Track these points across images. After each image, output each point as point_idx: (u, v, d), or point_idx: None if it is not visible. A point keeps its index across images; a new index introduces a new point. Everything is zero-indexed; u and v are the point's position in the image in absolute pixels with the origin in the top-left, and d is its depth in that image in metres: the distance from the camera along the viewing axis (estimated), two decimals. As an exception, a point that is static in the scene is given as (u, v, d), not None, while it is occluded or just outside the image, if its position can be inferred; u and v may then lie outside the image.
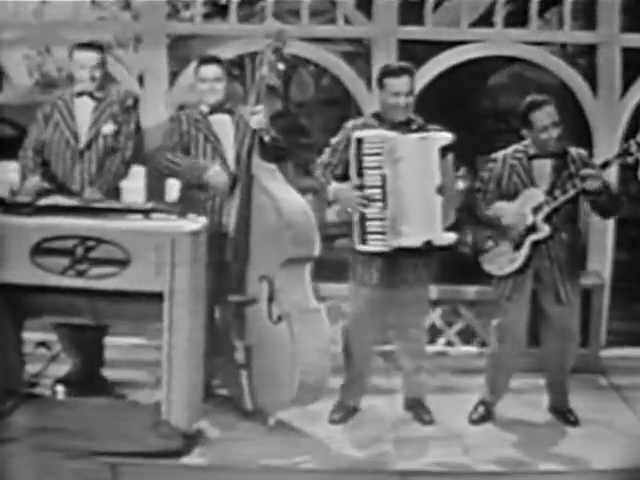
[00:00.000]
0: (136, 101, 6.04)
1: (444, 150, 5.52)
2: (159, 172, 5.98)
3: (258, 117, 5.65)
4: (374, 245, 5.59)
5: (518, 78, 8.75)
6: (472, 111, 8.41)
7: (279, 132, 5.81)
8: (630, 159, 5.52)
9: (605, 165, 5.57)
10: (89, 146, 5.86)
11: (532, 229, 5.61)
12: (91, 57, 5.82)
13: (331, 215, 7.84)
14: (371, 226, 5.59)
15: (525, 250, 5.62)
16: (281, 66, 5.69)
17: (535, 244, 5.62)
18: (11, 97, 8.35)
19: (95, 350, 6.04)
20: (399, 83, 5.59)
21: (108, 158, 5.87)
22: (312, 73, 9.20)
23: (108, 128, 5.86)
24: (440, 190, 5.52)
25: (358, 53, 7.74)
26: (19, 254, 5.31)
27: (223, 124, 5.89)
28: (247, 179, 5.63)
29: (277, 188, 5.60)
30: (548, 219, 5.58)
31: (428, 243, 5.56)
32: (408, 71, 5.67)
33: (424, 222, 5.55)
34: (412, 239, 5.56)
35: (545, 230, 5.60)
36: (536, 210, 5.59)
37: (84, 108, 5.89)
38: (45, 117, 5.92)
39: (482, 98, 8.88)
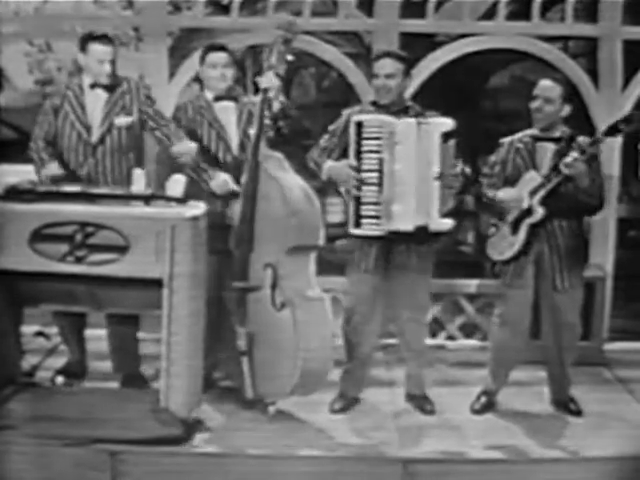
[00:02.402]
0: (149, 91, 5.94)
1: (446, 136, 5.50)
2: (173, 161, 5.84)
3: (268, 76, 5.58)
4: (368, 229, 5.55)
5: (519, 81, 8.78)
6: (472, 112, 8.41)
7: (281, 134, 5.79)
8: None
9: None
10: (102, 140, 5.78)
11: (528, 212, 5.57)
12: (106, 51, 5.70)
13: (332, 216, 7.81)
14: (365, 210, 5.54)
15: (522, 234, 5.58)
16: (290, 57, 5.67)
17: (534, 229, 5.57)
18: (12, 100, 8.36)
19: (129, 345, 5.95)
20: (379, 65, 5.60)
21: (148, 136, 5.82)
22: (313, 75, 9.24)
23: (123, 120, 5.77)
24: (439, 176, 5.49)
25: (360, 54, 7.75)
26: (18, 241, 5.25)
27: (227, 111, 5.86)
28: (253, 166, 5.58)
29: (283, 176, 5.56)
30: (544, 202, 5.54)
31: (423, 229, 5.53)
32: (390, 54, 5.66)
33: (419, 207, 5.50)
34: (405, 223, 5.50)
35: (539, 212, 5.53)
36: (532, 193, 5.55)
37: (96, 101, 5.78)
38: (54, 108, 5.80)
39: (483, 99, 8.91)
